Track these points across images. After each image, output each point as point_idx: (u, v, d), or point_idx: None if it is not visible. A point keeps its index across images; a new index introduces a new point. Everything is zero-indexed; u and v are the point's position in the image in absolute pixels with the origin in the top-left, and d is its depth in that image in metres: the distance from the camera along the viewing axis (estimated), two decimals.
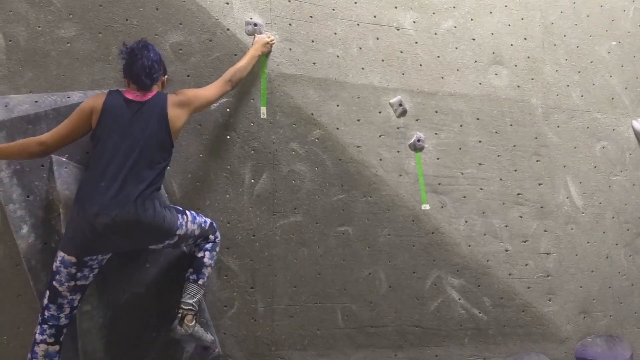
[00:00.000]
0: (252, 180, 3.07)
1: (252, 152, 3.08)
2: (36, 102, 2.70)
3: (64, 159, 2.66)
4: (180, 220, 2.52)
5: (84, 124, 2.47)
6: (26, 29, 2.78)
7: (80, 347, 2.58)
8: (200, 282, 2.66)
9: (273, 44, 3.11)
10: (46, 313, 2.39)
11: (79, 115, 2.46)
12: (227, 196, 3.01)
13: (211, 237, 2.73)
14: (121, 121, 2.44)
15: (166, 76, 2.74)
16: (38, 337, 2.38)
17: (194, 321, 2.61)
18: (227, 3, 3.07)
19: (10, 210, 2.58)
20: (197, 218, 2.65)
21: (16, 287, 2.68)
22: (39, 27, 2.79)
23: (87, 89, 2.80)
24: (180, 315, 2.58)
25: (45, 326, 2.38)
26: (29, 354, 2.39)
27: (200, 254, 2.69)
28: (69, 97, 2.74)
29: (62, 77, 2.79)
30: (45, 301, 2.39)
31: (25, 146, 2.41)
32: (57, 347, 2.40)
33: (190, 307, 2.60)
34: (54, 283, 2.36)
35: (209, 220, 2.73)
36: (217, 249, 2.77)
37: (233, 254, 3.02)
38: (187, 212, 2.61)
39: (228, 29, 3.06)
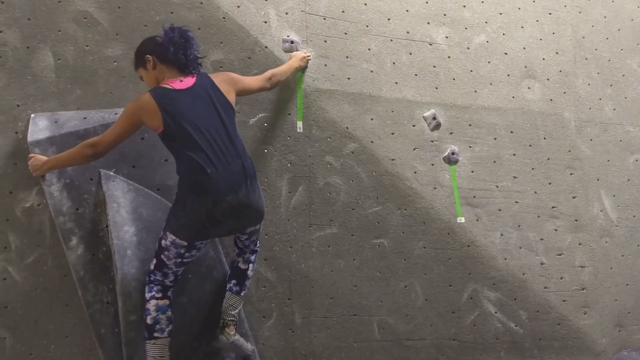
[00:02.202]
0: (289, 193, 3.13)
1: (289, 165, 3.14)
2: (85, 118, 2.80)
3: (112, 173, 2.75)
4: None
5: (131, 130, 2.46)
6: (75, 48, 2.89)
7: (126, 356, 2.64)
8: (242, 293, 2.74)
9: (309, 59, 3.18)
10: (152, 277, 2.55)
11: (127, 122, 2.43)
12: (265, 208, 3.06)
13: (258, 244, 2.81)
14: (188, 109, 2.41)
15: None
16: (147, 295, 2.53)
17: (235, 330, 2.68)
18: (265, 22, 3.16)
19: (60, 223, 2.67)
20: None
21: (64, 297, 2.77)
22: (87, 46, 2.90)
23: None
24: (221, 324, 2.67)
25: (152, 285, 2.54)
26: (144, 314, 2.53)
27: (244, 266, 2.75)
28: (116, 114, 2.82)
29: (109, 95, 2.90)
30: (152, 267, 2.54)
31: (78, 151, 2.47)
32: (166, 301, 2.54)
33: (232, 318, 2.68)
34: (162, 257, 2.50)
35: None
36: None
37: (271, 265, 3.07)
38: None
39: (266, 47, 3.14)
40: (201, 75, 2.57)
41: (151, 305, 2.51)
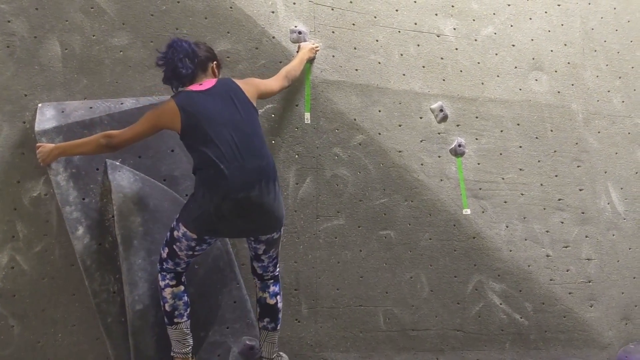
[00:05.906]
0: (296, 184, 3.13)
1: (296, 156, 3.14)
2: (91, 108, 2.80)
3: (118, 163, 2.75)
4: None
5: (150, 132, 2.50)
6: (81, 38, 2.89)
7: (132, 345, 2.66)
8: (278, 327, 2.70)
9: (318, 50, 3.17)
10: (164, 265, 2.56)
11: (147, 124, 2.47)
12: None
13: (278, 268, 2.73)
14: (205, 108, 2.43)
15: (215, 62, 2.68)
16: (161, 283, 2.57)
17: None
18: (273, 12, 3.15)
19: (67, 212, 2.68)
20: None
21: (71, 286, 2.79)
22: (94, 36, 2.90)
23: (140, 95, 2.90)
24: None
25: (164, 273, 2.57)
26: (160, 302, 2.59)
27: (272, 301, 2.67)
28: (122, 104, 2.83)
29: (115, 84, 2.90)
30: (164, 255, 2.55)
31: (94, 138, 2.51)
32: (181, 287, 2.58)
33: (276, 355, 2.72)
34: (174, 247, 2.50)
35: None
36: None
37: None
38: None
39: (273, 37, 3.13)
40: (222, 79, 2.61)
41: (167, 293, 2.54)
